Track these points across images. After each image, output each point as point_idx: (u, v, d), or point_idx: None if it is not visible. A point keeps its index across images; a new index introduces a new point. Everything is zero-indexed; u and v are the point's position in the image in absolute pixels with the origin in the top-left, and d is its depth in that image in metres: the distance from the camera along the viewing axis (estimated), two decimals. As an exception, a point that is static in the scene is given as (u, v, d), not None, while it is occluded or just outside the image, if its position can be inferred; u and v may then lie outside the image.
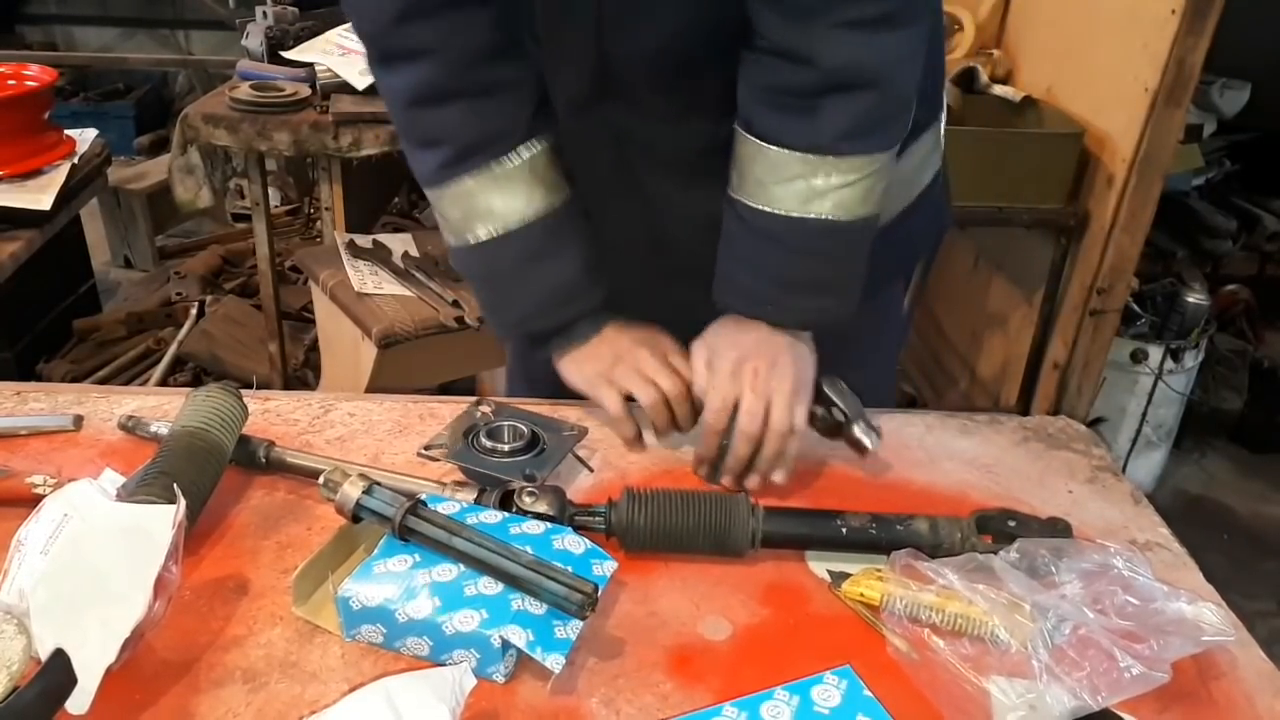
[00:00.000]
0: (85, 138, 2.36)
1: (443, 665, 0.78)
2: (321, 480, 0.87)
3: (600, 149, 1.08)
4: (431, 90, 1.02)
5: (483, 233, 1.06)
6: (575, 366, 1.10)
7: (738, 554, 0.92)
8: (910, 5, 0.92)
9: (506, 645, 0.77)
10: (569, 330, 1.09)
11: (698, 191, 1.05)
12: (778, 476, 1.01)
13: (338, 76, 2.39)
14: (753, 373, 1.00)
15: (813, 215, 0.96)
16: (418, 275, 2.29)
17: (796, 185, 0.96)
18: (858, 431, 1.04)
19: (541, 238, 1.06)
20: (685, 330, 1.08)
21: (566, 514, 0.92)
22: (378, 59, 1.06)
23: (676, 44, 0.98)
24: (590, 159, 1.09)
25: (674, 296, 1.10)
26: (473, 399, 1.12)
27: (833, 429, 1.05)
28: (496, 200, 1.04)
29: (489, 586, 0.80)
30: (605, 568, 0.85)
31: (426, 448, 1.02)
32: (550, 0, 0.98)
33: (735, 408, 1.00)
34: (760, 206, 0.98)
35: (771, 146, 0.96)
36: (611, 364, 1.08)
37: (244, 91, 2.36)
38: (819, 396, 1.05)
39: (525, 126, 1.04)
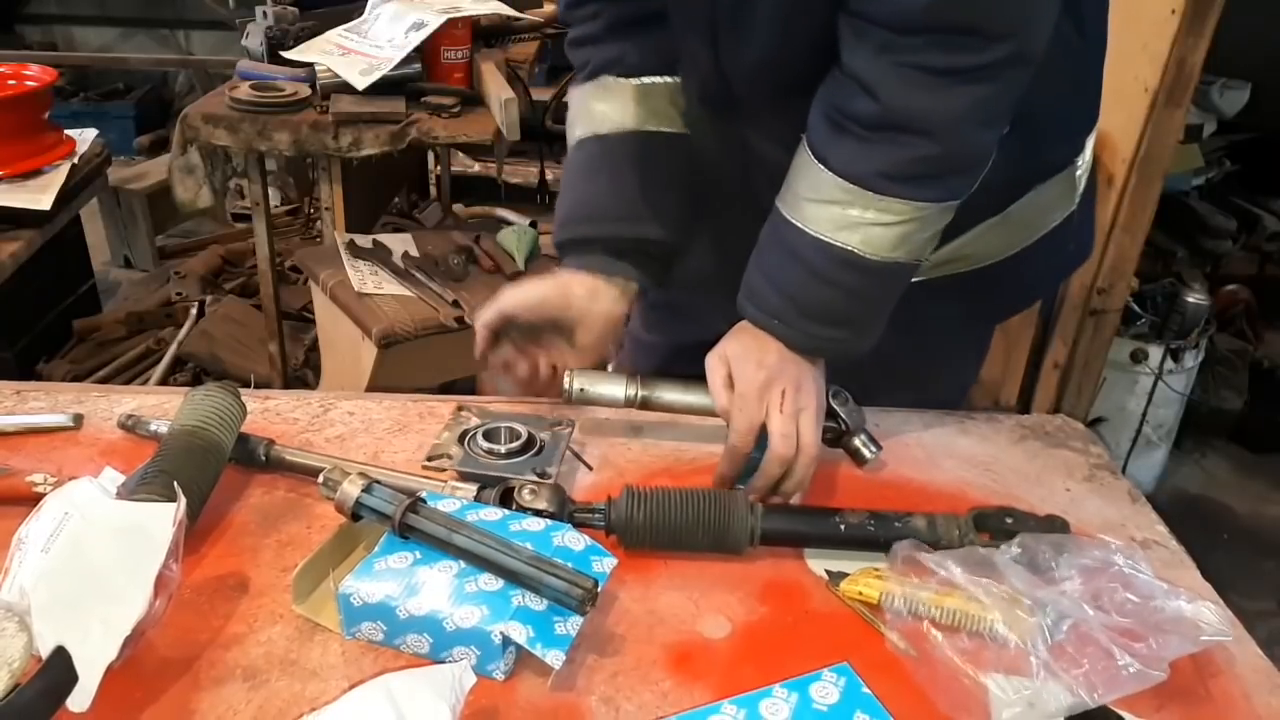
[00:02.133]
0: (85, 138, 2.36)
1: (443, 662, 0.78)
2: (321, 479, 0.87)
3: (725, 156, 1.11)
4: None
5: (579, 133, 1.13)
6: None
7: (737, 551, 0.93)
8: (994, 65, 0.87)
9: (507, 641, 0.78)
10: (581, 251, 1.10)
11: None
12: (796, 497, 1.01)
13: (338, 76, 2.39)
14: (780, 395, 0.98)
15: (839, 243, 0.94)
16: (418, 275, 2.29)
17: (832, 209, 0.94)
18: (858, 443, 1.06)
19: (615, 148, 1.11)
20: None
21: (566, 511, 0.92)
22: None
23: (780, 61, 0.98)
24: (716, 162, 1.12)
25: None
26: (454, 405, 1.12)
27: (834, 439, 1.06)
28: (598, 105, 1.12)
29: (489, 583, 0.80)
30: (605, 565, 0.85)
31: (430, 459, 1.01)
32: (676, 7, 1.02)
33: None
34: (793, 220, 0.97)
35: (819, 164, 0.94)
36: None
37: (244, 91, 2.36)
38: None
39: (651, 58, 1.10)
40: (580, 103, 1.14)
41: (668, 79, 1.11)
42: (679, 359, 1.16)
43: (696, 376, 1.06)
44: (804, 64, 0.97)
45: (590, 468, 1.06)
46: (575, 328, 1.09)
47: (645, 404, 1.07)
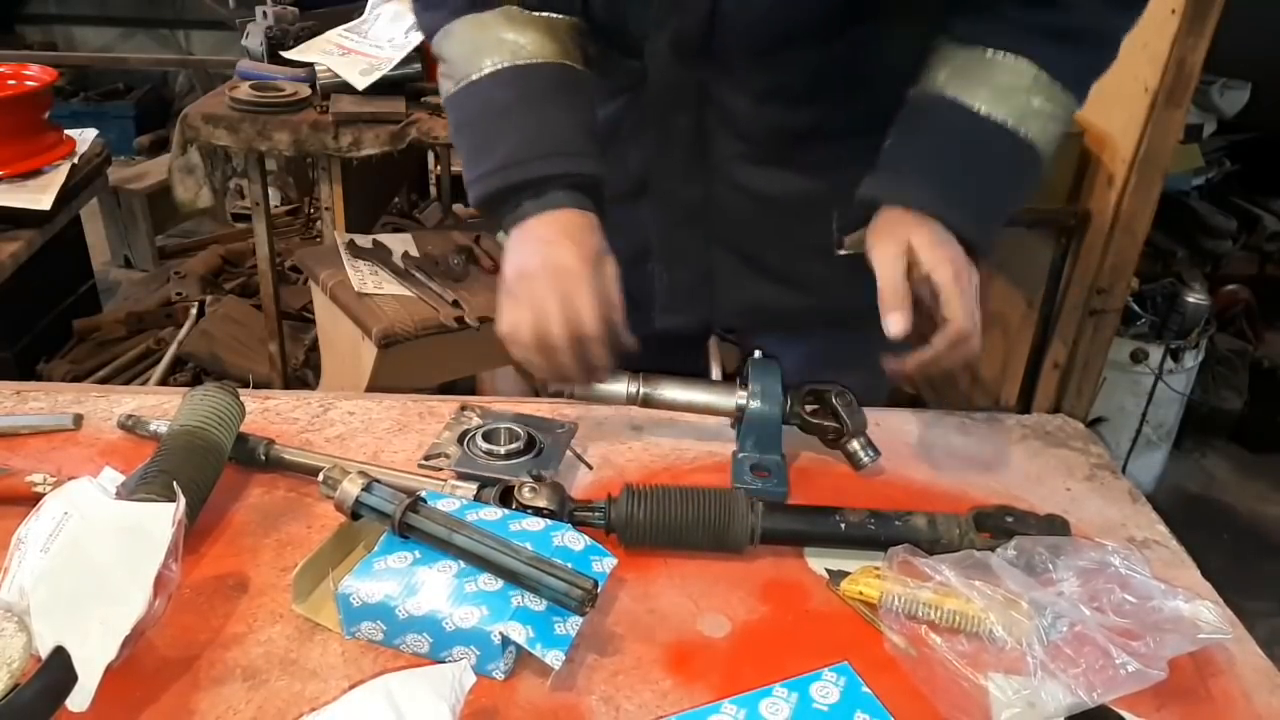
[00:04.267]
0: (85, 138, 2.36)
1: (442, 662, 0.78)
2: (321, 478, 0.87)
3: (682, 108, 1.09)
4: None
5: (488, 64, 1.01)
6: (516, 247, 0.97)
7: (737, 549, 0.93)
8: None
9: (506, 641, 0.78)
10: (541, 191, 0.98)
11: (763, 171, 1.04)
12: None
13: (338, 76, 2.39)
14: (969, 283, 0.96)
15: (1021, 131, 0.99)
16: (418, 275, 2.29)
17: (1019, 97, 0.99)
18: (856, 446, 1.06)
19: (550, 79, 1.02)
20: (708, 293, 1.05)
21: (566, 510, 0.92)
22: None
23: (788, 10, 0.99)
24: (669, 113, 1.10)
25: (708, 259, 1.08)
26: (457, 404, 1.12)
27: (833, 439, 1.06)
28: (509, 34, 1.01)
29: (489, 583, 0.80)
30: (605, 564, 0.85)
31: (427, 458, 1.01)
32: None
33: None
34: (976, 107, 0.99)
35: (1014, 55, 0.99)
36: (536, 273, 0.95)
37: (244, 91, 2.36)
38: (826, 407, 1.06)
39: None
40: (478, 31, 1.02)
41: (567, 17, 1.05)
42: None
43: (697, 374, 1.06)
44: (814, 11, 0.98)
45: (590, 467, 1.06)
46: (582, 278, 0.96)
47: (647, 401, 1.07)
